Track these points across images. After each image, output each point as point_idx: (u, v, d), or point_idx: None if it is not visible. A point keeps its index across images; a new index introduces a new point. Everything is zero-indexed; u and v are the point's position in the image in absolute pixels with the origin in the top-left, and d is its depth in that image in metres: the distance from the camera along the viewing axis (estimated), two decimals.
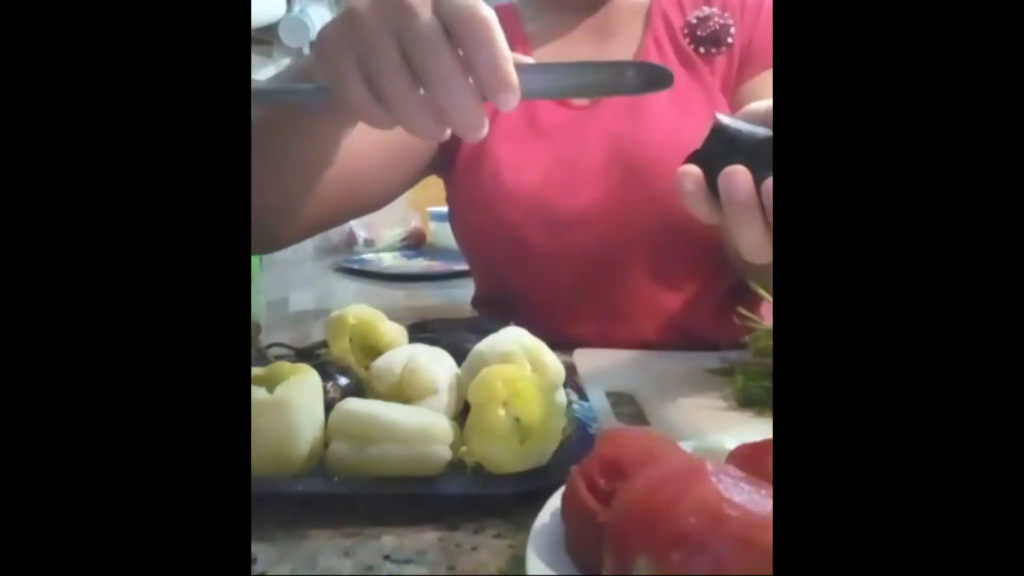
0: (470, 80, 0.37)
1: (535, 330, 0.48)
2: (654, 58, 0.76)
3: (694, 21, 0.76)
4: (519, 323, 0.50)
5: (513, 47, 0.84)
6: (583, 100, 0.76)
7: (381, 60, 0.36)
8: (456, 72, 0.36)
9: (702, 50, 0.75)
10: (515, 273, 0.79)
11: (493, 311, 0.85)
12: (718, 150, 0.39)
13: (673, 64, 0.75)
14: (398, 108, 0.37)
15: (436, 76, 0.36)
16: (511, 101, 0.37)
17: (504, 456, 0.39)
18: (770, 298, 0.55)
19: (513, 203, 0.74)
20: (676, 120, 0.73)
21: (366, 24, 0.36)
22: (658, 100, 0.73)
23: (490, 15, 0.36)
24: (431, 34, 0.36)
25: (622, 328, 0.76)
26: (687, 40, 0.76)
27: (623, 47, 0.78)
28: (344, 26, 0.37)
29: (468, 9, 0.36)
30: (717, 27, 0.75)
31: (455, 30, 0.36)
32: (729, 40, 0.74)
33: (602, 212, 0.74)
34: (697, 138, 0.67)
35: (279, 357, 0.57)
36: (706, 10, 0.76)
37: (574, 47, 0.80)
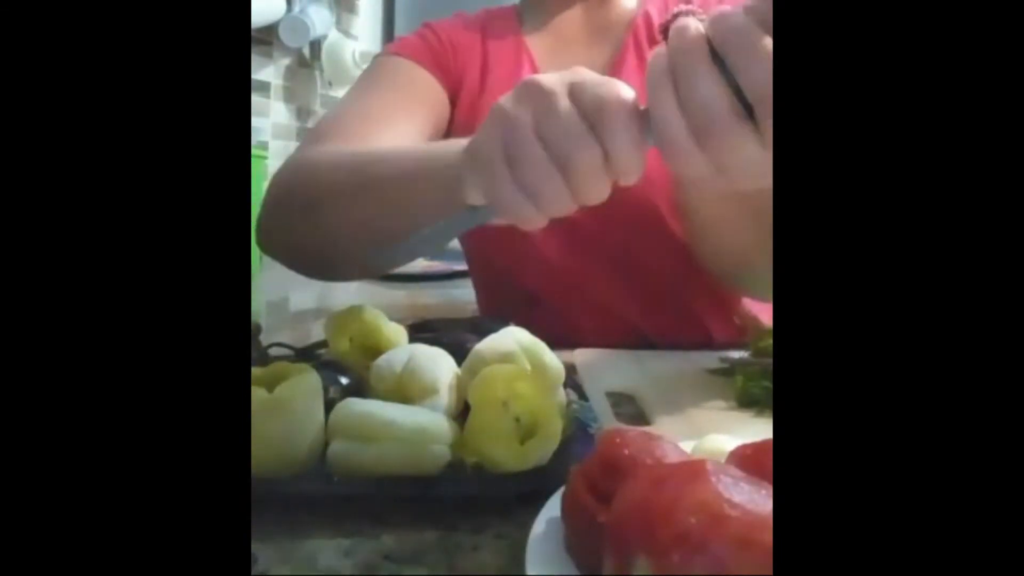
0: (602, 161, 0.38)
1: (535, 329, 0.48)
2: (631, 60, 0.77)
3: (669, 18, 0.78)
4: (519, 323, 0.50)
5: (507, 37, 0.86)
6: None
7: (528, 159, 0.38)
8: (594, 160, 0.37)
9: None
10: (512, 270, 0.79)
11: (497, 313, 0.85)
12: None
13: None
14: (545, 204, 0.38)
15: (575, 164, 0.37)
16: (632, 180, 0.39)
17: (504, 456, 0.39)
18: (770, 299, 0.55)
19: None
20: None
21: (511, 123, 0.38)
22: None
23: (621, 99, 0.37)
24: (570, 124, 0.37)
25: (614, 324, 0.76)
26: (661, 38, 0.77)
27: (608, 47, 0.80)
28: (492, 127, 0.39)
29: (602, 98, 0.37)
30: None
31: (590, 116, 0.37)
32: None
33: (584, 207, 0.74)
34: None
35: (279, 357, 0.57)
36: (682, 7, 0.78)
37: (566, 46, 0.81)
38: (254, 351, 0.55)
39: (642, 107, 0.38)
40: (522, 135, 0.38)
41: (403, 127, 0.72)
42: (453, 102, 0.80)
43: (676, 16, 0.77)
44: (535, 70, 0.79)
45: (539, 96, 0.38)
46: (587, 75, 0.39)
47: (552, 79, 0.39)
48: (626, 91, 0.38)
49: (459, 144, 0.49)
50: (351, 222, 0.58)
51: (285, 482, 0.38)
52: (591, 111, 0.37)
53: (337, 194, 0.59)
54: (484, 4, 0.89)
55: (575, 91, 0.38)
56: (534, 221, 0.40)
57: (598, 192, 0.39)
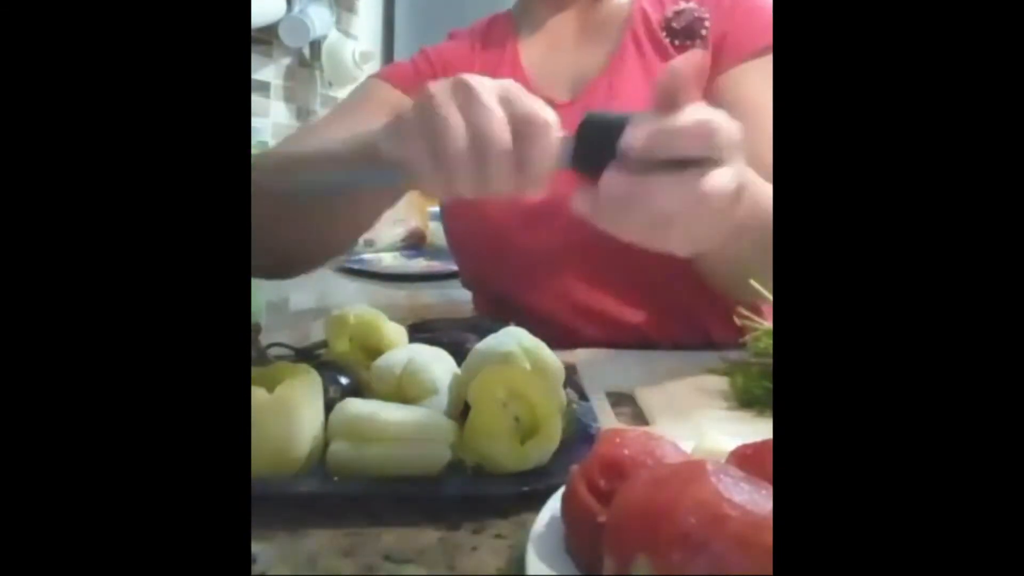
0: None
1: (530, 328, 0.48)
2: (632, 55, 0.77)
3: (670, 15, 0.78)
4: (518, 323, 0.50)
5: (504, 53, 0.85)
6: (564, 96, 0.78)
7: (450, 135, 0.40)
8: (507, 160, 0.41)
9: (676, 43, 0.76)
10: (499, 270, 0.79)
11: (491, 312, 0.85)
12: (591, 141, 0.40)
13: (651, 59, 0.77)
14: (454, 181, 0.41)
15: (491, 157, 0.40)
16: (533, 195, 0.42)
17: (504, 456, 0.39)
18: (770, 298, 0.55)
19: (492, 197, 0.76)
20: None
21: (441, 106, 0.41)
22: (635, 91, 0.75)
23: (548, 121, 0.41)
24: (496, 121, 0.40)
25: (613, 326, 0.76)
26: (664, 34, 0.77)
27: (605, 45, 0.80)
28: (422, 108, 0.42)
29: (531, 112, 0.41)
30: (691, 20, 0.76)
31: (516, 123, 0.40)
32: (703, 33, 0.76)
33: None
34: None
35: (279, 357, 0.57)
36: (682, 4, 0.78)
37: (561, 47, 0.81)
38: (254, 351, 0.55)
39: (561, 135, 0.41)
40: (450, 114, 0.40)
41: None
42: None
43: (678, 13, 0.77)
44: (526, 81, 0.79)
45: (472, 90, 0.41)
46: (520, 89, 0.42)
47: (483, 81, 0.42)
48: (551, 115, 0.41)
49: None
50: (275, 201, 0.59)
51: (285, 482, 0.38)
52: (519, 120, 0.40)
53: (261, 181, 0.60)
54: (483, 4, 0.89)
55: (505, 96, 0.41)
56: (439, 191, 0.43)
57: (502, 189, 0.42)
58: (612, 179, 0.39)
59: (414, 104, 0.43)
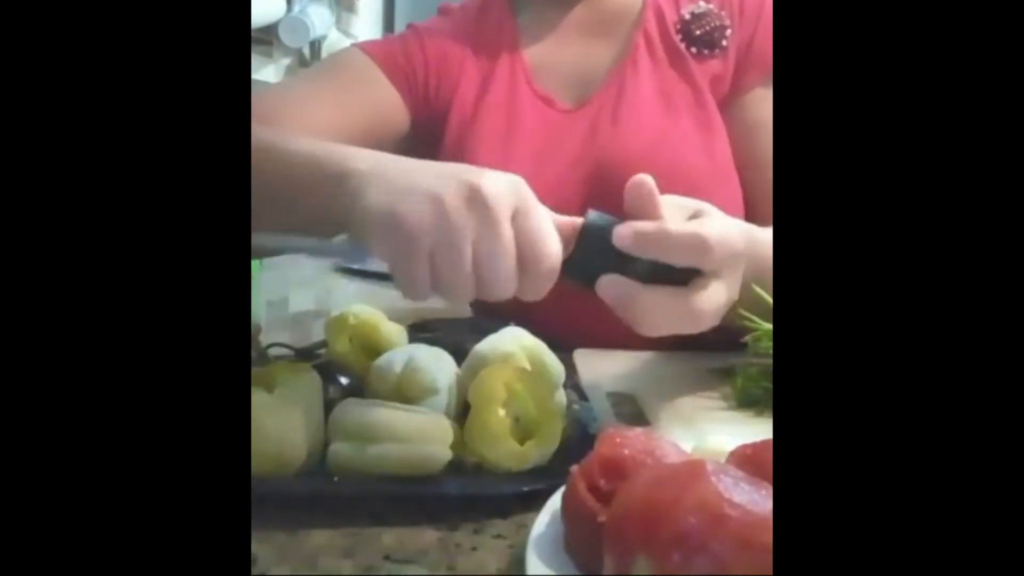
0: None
1: (530, 329, 0.48)
2: (643, 57, 0.74)
3: (688, 17, 0.73)
4: (518, 323, 0.50)
5: (502, 40, 0.81)
6: (568, 102, 0.75)
7: (454, 264, 0.39)
8: (509, 288, 0.40)
9: (694, 50, 0.73)
10: None
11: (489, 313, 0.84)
12: (592, 251, 0.42)
13: (662, 63, 0.73)
14: (444, 294, 0.41)
15: (492, 287, 0.40)
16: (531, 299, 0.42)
17: (504, 456, 0.39)
18: (770, 300, 0.55)
19: None
20: (662, 123, 0.71)
21: (453, 225, 0.39)
22: (645, 101, 0.72)
23: (556, 253, 0.41)
24: (503, 256, 0.40)
25: (609, 332, 0.75)
26: (680, 37, 0.73)
27: (613, 42, 0.76)
28: (430, 214, 0.40)
29: (539, 242, 0.40)
30: (712, 28, 0.72)
31: (523, 251, 0.40)
32: (724, 43, 0.72)
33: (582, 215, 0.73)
34: (683, 143, 0.65)
35: (279, 357, 0.57)
36: (702, 6, 0.74)
37: (564, 41, 0.78)
38: (254, 351, 0.55)
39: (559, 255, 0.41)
40: (459, 241, 0.39)
41: (328, 118, 0.70)
42: (426, 119, 0.76)
43: (698, 17, 0.74)
44: (532, 89, 0.75)
45: (485, 213, 0.40)
46: (532, 205, 0.41)
47: (501, 195, 0.40)
48: (556, 246, 0.41)
49: (348, 155, 0.47)
50: None
51: (285, 482, 0.38)
52: (526, 250, 0.40)
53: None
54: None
55: (519, 218, 0.40)
56: (421, 297, 0.42)
57: (493, 298, 0.42)
58: (608, 285, 0.41)
59: (415, 203, 0.40)
